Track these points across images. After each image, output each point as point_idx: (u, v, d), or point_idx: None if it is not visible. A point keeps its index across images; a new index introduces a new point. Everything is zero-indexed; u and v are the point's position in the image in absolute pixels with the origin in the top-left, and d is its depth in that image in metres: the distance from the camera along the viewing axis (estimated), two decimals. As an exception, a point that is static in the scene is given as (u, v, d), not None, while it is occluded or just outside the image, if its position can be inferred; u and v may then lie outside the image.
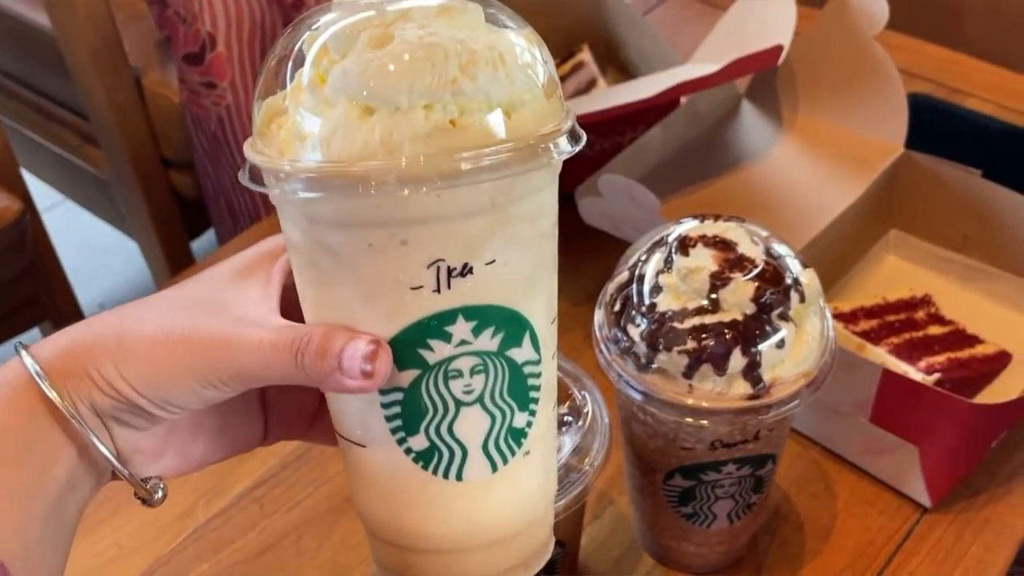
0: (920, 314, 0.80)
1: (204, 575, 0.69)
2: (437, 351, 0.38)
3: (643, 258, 0.58)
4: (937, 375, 0.73)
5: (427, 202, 0.35)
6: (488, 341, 0.38)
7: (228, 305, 0.40)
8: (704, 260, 0.55)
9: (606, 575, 0.68)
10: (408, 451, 0.40)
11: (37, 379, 0.38)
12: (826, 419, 0.72)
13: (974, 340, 0.78)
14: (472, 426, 0.39)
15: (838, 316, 0.77)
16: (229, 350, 0.38)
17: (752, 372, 0.54)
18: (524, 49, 0.37)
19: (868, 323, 0.78)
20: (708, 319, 0.54)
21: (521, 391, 0.40)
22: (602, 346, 0.58)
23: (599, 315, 0.59)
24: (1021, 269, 0.80)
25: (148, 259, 1.34)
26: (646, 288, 0.57)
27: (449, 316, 0.37)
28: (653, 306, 0.56)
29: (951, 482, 0.70)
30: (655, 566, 0.69)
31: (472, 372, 0.39)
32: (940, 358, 0.75)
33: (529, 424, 0.41)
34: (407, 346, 0.38)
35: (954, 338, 0.78)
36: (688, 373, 0.54)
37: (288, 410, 0.46)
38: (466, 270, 0.37)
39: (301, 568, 0.70)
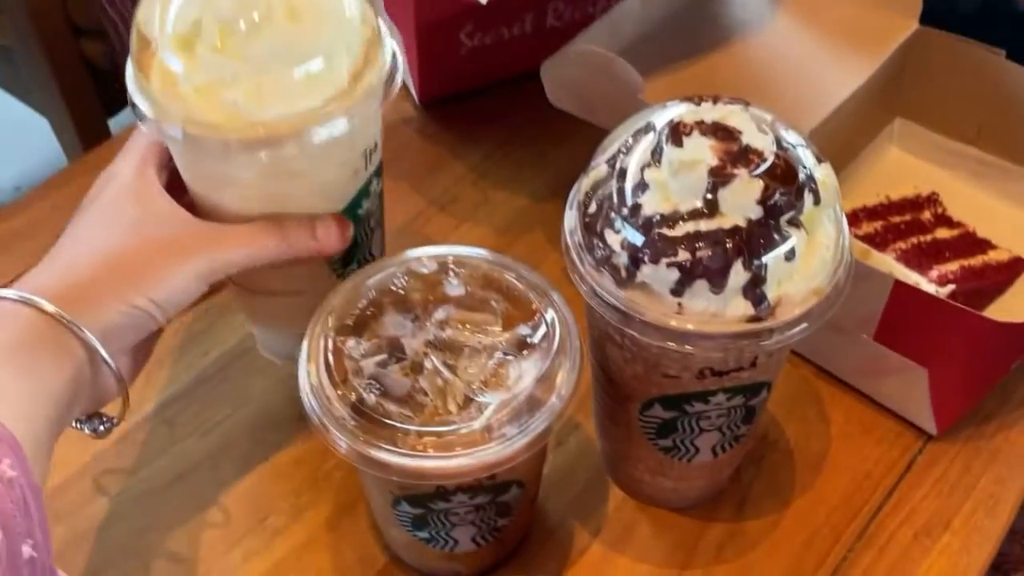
0: (926, 215, 0.71)
1: (103, 508, 0.60)
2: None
3: (625, 148, 0.48)
4: (951, 286, 0.64)
5: None
6: None
7: (176, 215, 0.50)
8: (701, 152, 0.45)
9: (570, 511, 0.60)
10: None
11: (40, 304, 0.43)
12: (822, 335, 0.62)
13: (986, 245, 0.69)
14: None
15: (837, 217, 0.68)
16: (221, 244, 0.49)
17: (755, 289, 0.45)
18: None
19: (871, 225, 0.69)
20: (704, 225, 0.44)
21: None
22: (573, 255, 0.48)
23: (570, 217, 0.49)
24: (1040, 164, 0.70)
25: (60, 137, 1.21)
26: (628, 185, 0.46)
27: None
28: (637, 208, 0.45)
29: (962, 409, 0.62)
30: (625, 500, 0.60)
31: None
32: (952, 266, 0.66)
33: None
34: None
35: (964, 243, 0.69)
36: (678, 290, 0.45)
37: None
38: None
39: (218, 500, 0.60)
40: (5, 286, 0.45)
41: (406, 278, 0.51)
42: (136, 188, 0.50)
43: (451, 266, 0.52)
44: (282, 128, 0.49)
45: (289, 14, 0.49)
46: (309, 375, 0.48)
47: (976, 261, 0.67)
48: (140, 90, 0.51)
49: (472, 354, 0.48)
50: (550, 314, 0.50)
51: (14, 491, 0.37)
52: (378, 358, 0.48)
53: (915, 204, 0.72)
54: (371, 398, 0.47)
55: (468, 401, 0.47)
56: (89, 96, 1.17)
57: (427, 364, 0.48)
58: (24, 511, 0.37)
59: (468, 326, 0.49)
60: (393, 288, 0.51)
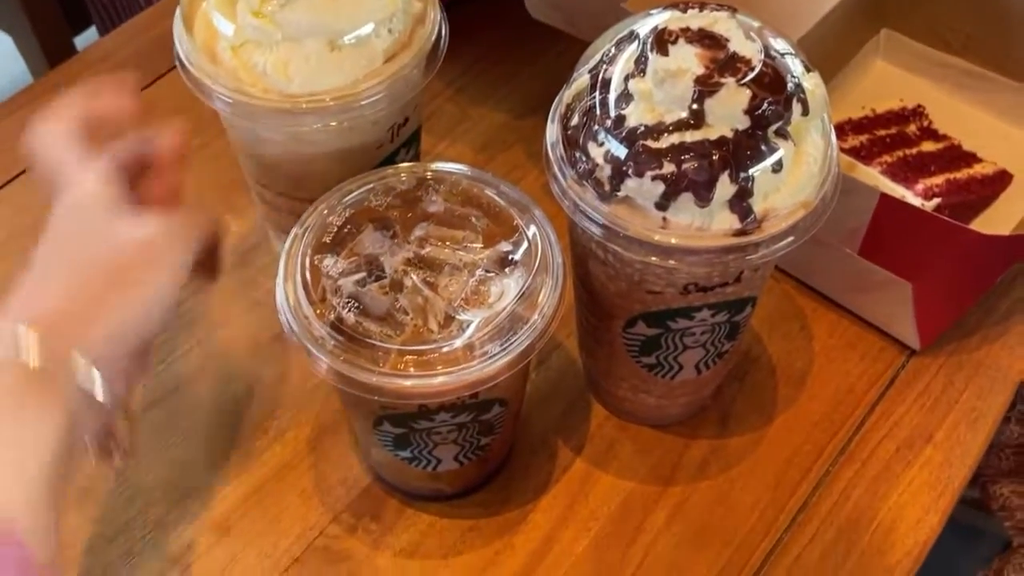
0: (912, 128, 0.70)
1: (83, 434, 0.59)
2: None
3: (608, 58, 0.46)
4: (936, 200, 0.63)
5: None
6: None
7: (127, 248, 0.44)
8: (687, 60, 0.43)
9: (553, 430, 0.60)
10: None
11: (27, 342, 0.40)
12: (805, 249, 0.62)
13: (971, 158, 0.68)
14: None
15: (821, 130, 0.67)
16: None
17: (741, 202, 0.44)
18: None
19: (856, 139, 0.68)
20: (690, 136, 0.43)
21: None
22: (555, 169, 0.47)
23: (552, 130, 0.48)
24: (1027, 75, 0.69)
25: (25, 56, 1.17)
26: (612, 96, 0.45)
27: None
28: (621, 119, 0.44)
29: (945, 323, 0.62)
30: (608, 418, 0.60)
31: None
32: (938, 180, 0.66)
33: None
34: None
35: (950, 156, 0.68)
36: (663, 204, 0.44)
37: None
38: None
39: (199, 424, 0.60)
40: None
41: (384, 194, 0.50)
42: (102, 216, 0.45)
43: (430, 182, 0.51)
44: (303, 104, 0.50)
45: None
46: (287, 294, 0.47)
47: (961, 175, 0.67)
48: (186, 45, 0.52)
49: (452, 271, 0.47)
50: (532, 230, 0.49)
51: None
52: (356, 276, 0.47)
53: (901, 117, 0.71)
54: (350, 317, 0.46)
55: (449, 319, 0.46)
56: (54, 13, 1.13)
57: (407, 282, 0.47)
58: None
59: (448, 243, 0.48)
60: (370, 205, 0.50)
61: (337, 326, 0.46)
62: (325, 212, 0.49)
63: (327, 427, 0.60)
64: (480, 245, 0.48)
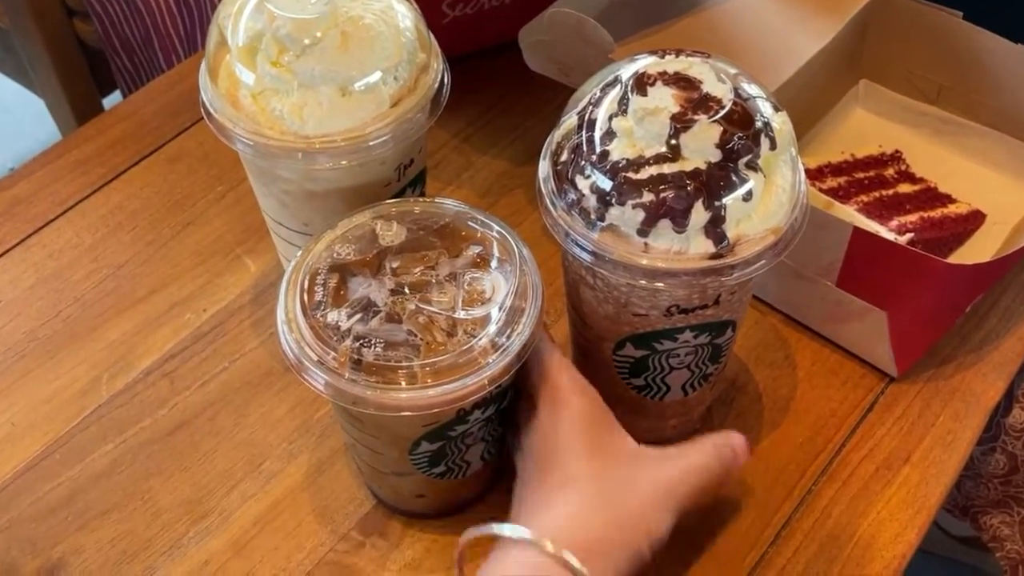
0: (890, 171, 0.74)
1: (108, 455, 0.63)
2: None
3: (595, 100, 0.51)
4: (909, 235, 0.67)
5: None
6: None
7: (643, 455, 0.54)
8: (664, 100, 0.48)
9: (550, 452, 0.63)
10: None
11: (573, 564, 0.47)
12: (788, 283, 0.66)
13: (946, 199, 0.73)
14: None
15: (803, 173, 0.71)
16: (685, 480, 0.53)
17: (715, 228, 0.48)
18: None
19: (835, 180, 0.72)
20: (667, 168, 0.47)
21: None
22: (547, 202, 0.51)
23: (543, 167, 0.52)
24: (997, 122, 0.74)
25: (56, 117, 1.23)
26: (597, 134, 0.49)
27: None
28: (605, 154, 0.49)
29: (920, 350, 0.65)
30: (603, 441, 0.64)
31: None
32: (912, 217, 0.70)
33: None
34: None
35: (926, 196, 0.72)
36: (644, 230, 0.48)
37: None
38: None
39: (216, 448, 0.64)
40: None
41: (341, 249, 0.53)
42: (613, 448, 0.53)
43: (376, 225, 0.54)
44: (316, 144, 0.55)
45: (340, 42, 0.54)
46: (307, 360, 0.50)
47: (936, 213, 0.71)
48: (211, 93, 0.57)
49: (438, 285, 0.51)
50: (491, 231, 0.53)
51: None
52: (356, 318, 0.50)
53: (879, 161, 0.75)
54: (369, 354, 0.49)
55: (453, 326, 0.50)
56: (83, 76, 1.19)
57: (408, 306, 0.50)
58: None
59: (422, 265, 0.52)
60: (336, 259, 0.53)
61: (359, 362, 0.49)
62: (298, 283, 0.52)
63: (337, 452, 0.63)
64: (448, 257, 0.53)
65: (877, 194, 0.72)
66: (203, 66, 0.58)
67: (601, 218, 0.49)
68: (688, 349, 0.55)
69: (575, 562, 0.46)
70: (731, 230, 0.48)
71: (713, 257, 0.48)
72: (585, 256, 0.50)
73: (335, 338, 0.50)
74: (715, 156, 0.47)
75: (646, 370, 0.56)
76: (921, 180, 0.74)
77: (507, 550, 0.48)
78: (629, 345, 0.55)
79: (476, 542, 0.50)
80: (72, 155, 0.80)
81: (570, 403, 0.53)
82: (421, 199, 0.58)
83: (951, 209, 0.71)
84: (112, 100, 1.35)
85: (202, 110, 0.58)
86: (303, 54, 0.54)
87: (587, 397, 0.53)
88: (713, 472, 0.53)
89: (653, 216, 0.47)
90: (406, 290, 0.51)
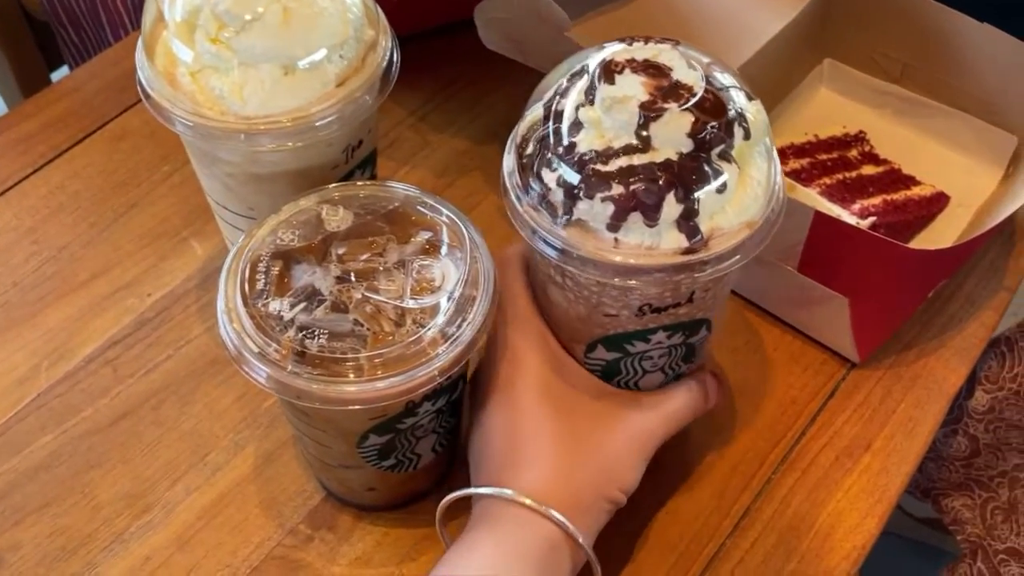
0: (854, 152, 0.73)
1: (47, 447, 0.60)
2: None
3: (561, 90, 0.49)
4: (872, 219, 0.66)
5: None
6: None
7: (615, 394, 0.55)
8: (633, 88, 0.46)
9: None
10: None
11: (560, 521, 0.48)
12: (749, 268, 0.65)
13: (910, 181, 0.72)
14: None
15: (766, 154, 0.70)
16: (661, 422, 0.54)
17: (688, 222, 0.46)
18: None
19: (798, 162, 0.71)
20: (637, 159, 0.45)
21: None
22: (512, 197, 0.49)
23: (508, 161, 0.50)
24: (961, 102, 0.73)
25: (3, 94, 1.18)
26: (564, 125, 0.47)
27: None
28: (572, 146, 0.47)
29: (882, 337, 0.64)
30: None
31: None
32: (875, 200, 0.69)
33: None
34: None
35: (889, 179, 0.72)
36: (614, 224, 0.46)
37: None
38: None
39: (160, 439, 0.61)
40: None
41: (285, 235, 0.51)
42: (567, 379, 0.53)
43: (322, 209, 0.52)
44: (259, 125, 0.52)
45: (282, 18, 0.51)
46: (247, 352, 0.47)
47: (899, 196, 0.70)
48: (148, 72, 0.54)
49: (386, 273, 0.49)
50: (440, 215, 0.51)
51: None
52: (300, 307, 0.48)
53: (843, 142, 0.74)
54: (313, 344, 0.47)
55: (402, 315, 0.48)
56: (31, 50, 1.15)
57: (355, 295, 0.48)
58: None
59: (369, 251, 0.50)
60: (280, 245, 0.51)
61: (303, 354, 0.47)
62: (239, 269, 0.50)
63: (285, 443, 0.61)
64: (397, 243, 0.50)
65: (840, 176, 0.71)
66: (139, 43, 0.55)
67: (568, 212, 0.47)
68: (661, 351, 0.53)
69: (560, 517, 0.48)
70: (705, 224, 0.46)
71: (686, 252, 0.46)
72: (553, 253, 0.48)
73: (277, 328, 0.47)
74: (687, 146, 0.46)
75: (619, 373, 0.54)
76: (885, 162, 0.73)
77: (487, 510, 0.50)
78: (601, 347, 0.53)
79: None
80: (11, 132, 0.76)
81: (525, 362, 0.53)
82: (370, 182, 0.56)
83: (915, 191, 0.71)
84: (61, 75, 1.30)
85: (139, 89, 0.54)
86: (243, 30, 0.51)
87: (542, 353, 0.53)
88: (686, 417, 0.54)
89: (623, 210, 0.46)
90: (352, 278, 0.49)
